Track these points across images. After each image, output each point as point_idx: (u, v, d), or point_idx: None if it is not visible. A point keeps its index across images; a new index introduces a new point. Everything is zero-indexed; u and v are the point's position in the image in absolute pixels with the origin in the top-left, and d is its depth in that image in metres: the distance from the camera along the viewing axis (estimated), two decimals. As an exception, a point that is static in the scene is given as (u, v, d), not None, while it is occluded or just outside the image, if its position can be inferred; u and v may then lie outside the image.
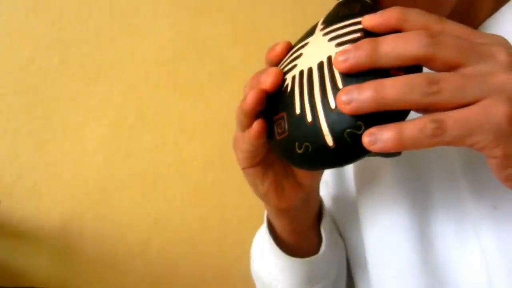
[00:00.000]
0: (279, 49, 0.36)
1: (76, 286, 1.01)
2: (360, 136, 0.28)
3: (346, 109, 0.28)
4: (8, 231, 0.98)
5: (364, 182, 0.49)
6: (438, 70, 0.28)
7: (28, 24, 0.99)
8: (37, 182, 0.99)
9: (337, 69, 0.30)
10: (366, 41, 0.29)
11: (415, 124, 0.27)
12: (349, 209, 0.52)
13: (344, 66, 0.29)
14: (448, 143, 0.27)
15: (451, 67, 0.28)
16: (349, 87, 0.28)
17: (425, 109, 0.28)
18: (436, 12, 0.31)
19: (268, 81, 0.34)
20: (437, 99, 0.27)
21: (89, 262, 1.01)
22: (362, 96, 0.28)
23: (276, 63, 0.37)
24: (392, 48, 0.28)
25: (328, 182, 0.56)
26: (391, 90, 0.27)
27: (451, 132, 0.26)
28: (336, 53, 0.30)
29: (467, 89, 0.27)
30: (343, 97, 0.28)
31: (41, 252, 1.00)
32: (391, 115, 0.28)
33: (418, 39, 0.28)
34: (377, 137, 0.27)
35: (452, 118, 0.26)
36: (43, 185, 1.00)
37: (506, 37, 0.30)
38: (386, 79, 0.28)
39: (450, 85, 0.27)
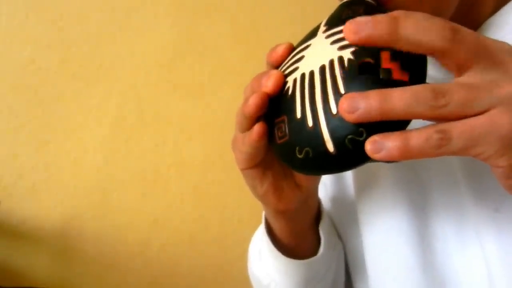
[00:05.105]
0: (280, 50, 0.35)
1: (76, 286, 1.01)
2: (361, 143, 0.28)
3: (350, 117, 0.27)
4: (8, 231, 0.98)
5: (363, 184, 0.49)
6: (449, 66, 0.28)
7: (28, 24, 0.99)
8: (37, 182, 0.99)
9: (347, 38, 0.28)
10: (387, 19, 0.27)
11: (420, 134, 0.26)
12: (347, 211, 0.52)
13: (356, 37, 0.27)
14: (453, 153, 0.26)
15: (462, 67, 0.28)
16: (353, 94, 0.27)
17: (431, 120, 0.27)
18: (440, 14, 0.30)
19: (269, 84, 0.34)
20: (443, 112, 0.26)
21: (89, 262, 1.01)
22: (367, 105, 0.27)
23: (278, 65, 0.36)
24: (413, 33, 0.27)
25: (327, 184, 0.56)
26: (398, 101, 0.26)
27: (456, 142, 0.26)
28: (347, 22, 0.27)
29: (473, 101, 0.26)
30: (346, 104, 0.27)
31: (41, 252, 1.00)
32: (394, 122, 0.27)
33: (441, 30, 0.27)
34: (381, 146, 0.26)
35: (457, 128, 0.26)
36: (43, 185, 1.00)
37: (507, 37, 0.30)
38: (393, 89, 0.27)
39: (457, 98, 0.26)
